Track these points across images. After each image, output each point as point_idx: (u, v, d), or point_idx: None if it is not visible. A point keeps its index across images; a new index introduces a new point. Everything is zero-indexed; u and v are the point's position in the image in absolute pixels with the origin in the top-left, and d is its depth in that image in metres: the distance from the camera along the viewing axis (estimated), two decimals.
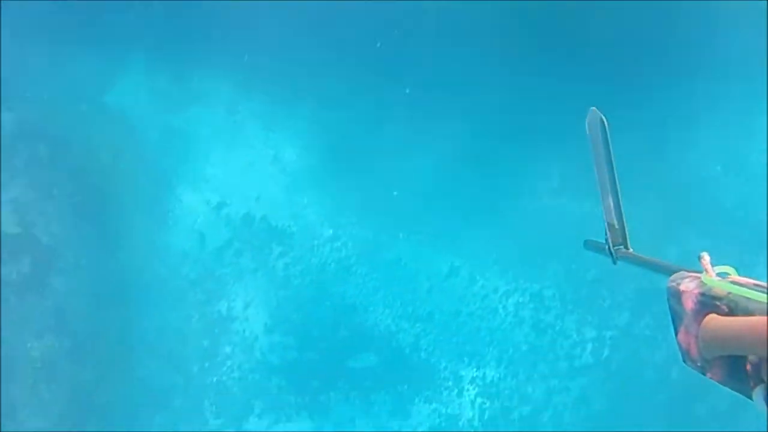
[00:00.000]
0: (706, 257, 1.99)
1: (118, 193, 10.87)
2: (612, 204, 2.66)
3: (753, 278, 1.89)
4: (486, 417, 10.74)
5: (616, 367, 10.69)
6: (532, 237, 10.73)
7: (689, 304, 1.91)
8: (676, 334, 1.98)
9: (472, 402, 10.74)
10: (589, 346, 10.68)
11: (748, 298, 1.76)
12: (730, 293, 1.82)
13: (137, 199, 10.99)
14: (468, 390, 10.76)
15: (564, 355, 10.75)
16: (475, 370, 10.77)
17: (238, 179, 11.08)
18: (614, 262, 2.64)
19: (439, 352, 10.79)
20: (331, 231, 10.98)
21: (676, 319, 1.99)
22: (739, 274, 1.97)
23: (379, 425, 10.70)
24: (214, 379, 10.87)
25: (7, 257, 10.40)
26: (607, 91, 10.11)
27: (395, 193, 10.97)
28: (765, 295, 1.75)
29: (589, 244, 2.86)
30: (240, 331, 10.87)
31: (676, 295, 1.98)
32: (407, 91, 10.56)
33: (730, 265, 1.99)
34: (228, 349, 10.88)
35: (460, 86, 10.90)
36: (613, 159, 2.65)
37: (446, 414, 10.74)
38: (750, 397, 1.74)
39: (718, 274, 1.97)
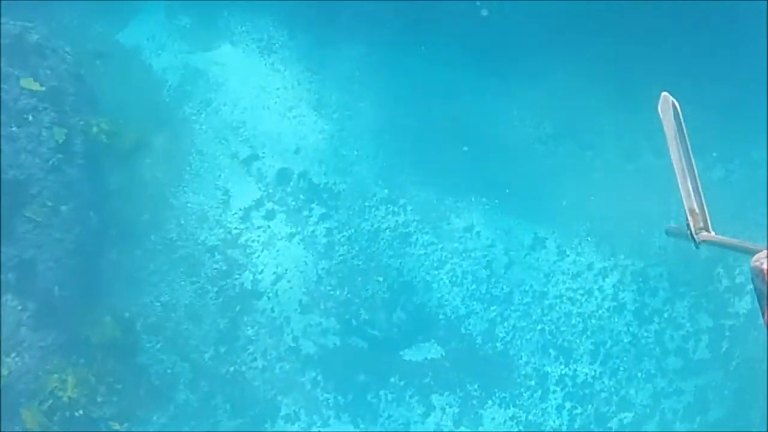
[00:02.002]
0: None
1: (123, 139, 10.98)
2: (691, 188, 3.03)
3: None
4: (576, 426, 10.55)
5: (738, 365, 10.72)
6: (632, 203, 10.94)
7: None
8: (763, 314, 2.30)
9: (560, 407, 10.61)
10: (705, 339, 10.68)
11: None
12: None
13: (147, 148, 11.09)
14: (555, 392, 10.67)
15: (674, 349, 10.72)
16: (563, 366, 10.69)
17: (273, 128, 11.28)
18: (696, 247, 3.03)
19: (519, 343, 10.65)
20: (386, 191, 11.04)
21: (762, 298, 2.31)
22: None
23: None
24: (231, 369, 10.63)
25: None
26: None
27: (465, 148, 11.23)
28: None
29: (670, 231, 3.28)
30: (267, 309, 10.68)
31: (760, 275, 2.30)
32: (484, 13, 11.09)
33: None
34: (250, 332, 10.59)
35: (540, 43, 11.49)
36: (688, 143, 3.06)
37: (527, 421, 10.48)
38: None
39: None
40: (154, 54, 11.56)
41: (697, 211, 3.02)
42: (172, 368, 10.53)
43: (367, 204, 11.00)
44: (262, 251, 10.80)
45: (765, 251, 2.35)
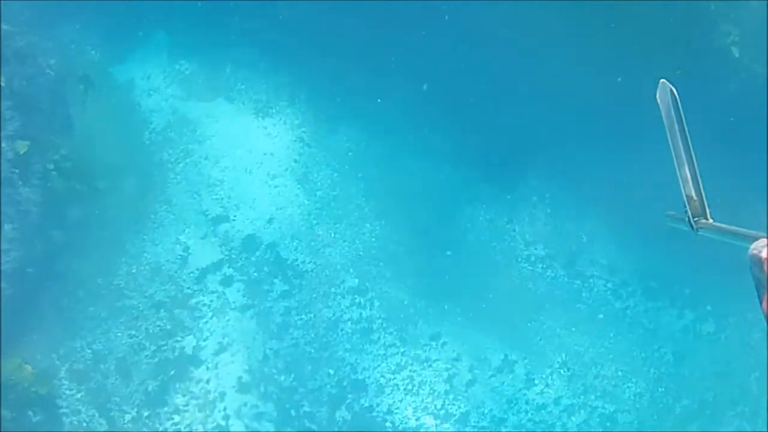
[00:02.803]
0: None
1: (90, 170, 11.12)
2: (689, 175, 3.18)
3: None
4: None
5: None
6: (615, 342, 10.98)
7: None
8: (761, 303, 2.36)
9: None
10: None
11: None
12: None
13: (114, 186, 11.22)
14: None
15: None
16: None
17: (250, 192, 11.46)
18: (695, 234, 3.14)
19: None
20: (356, 280, 11.08)
21: (760, 287, 2.39)
22: None
23: None
24: None
25: None
26: None
27: (449, 252, 11.37)
28: None
29: (669, 217, 3.39)
30: (203, 380, 10.54)
31: (758, 263, 2.39)
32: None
33: None
34: (180, 401, 10.41)
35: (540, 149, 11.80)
36: (686, 129, 3.20)
37: None
38: None
39: None
40: (144, 93, 11.84)
41: (695, 198, 3.14)
42: (88, 422, 10.31)
43: (333, 290, 11.03)
44: (211, 317, 10.78)
45: (764, 239, 2.43)
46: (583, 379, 10.89)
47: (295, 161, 11.60)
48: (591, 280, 11.33)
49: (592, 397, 10.78)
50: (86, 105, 11.10)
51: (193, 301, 10.83)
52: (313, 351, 10.75)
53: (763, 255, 2.33)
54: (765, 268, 2.31)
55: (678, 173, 3.18)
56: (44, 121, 10.37)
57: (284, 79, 12.01)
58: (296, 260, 11.09)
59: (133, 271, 10.87)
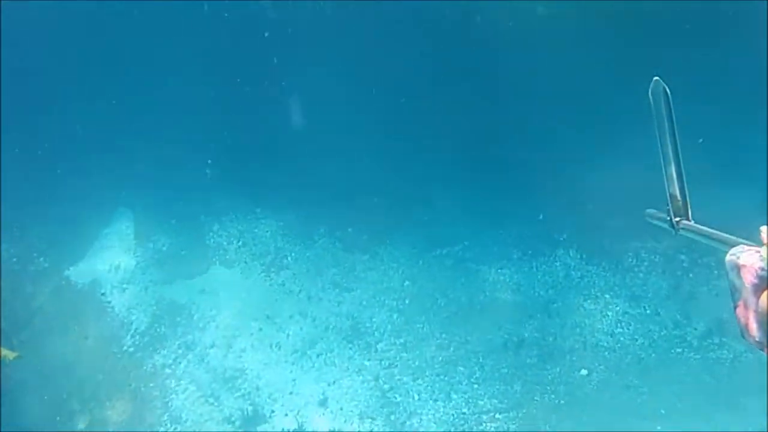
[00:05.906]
0: (765, 231, 2.20)
1: (61, 405, 7.40)
2: (674, 174, 2.96)
3: None
4: None
5: None
6: None
7: (748, 278, 2.18)
8: (735, 309, 2.25)
9: None
10: None
11: None
12: None
13: (95, 421, 7.46)
14: None
15: None
16: None
17: (285, 373, 7.56)
18: (675, 233, 2.90)
19: None
20: None
21: (735, 293, 2.27)
22: None
23: None
24: None
25: None
26: None
27: (584, 371, 7.36)
28: None
29: (650, 215, 3.07)
30: None
31: (735, 269, 2.24)
32: None
33: None
34: None
35: None
36: (676, 129, 2.84)
37: None
38: None
39: None
40: (116, 289, 8.35)
41: (678, 197, 2.88)
42: None
43: None
44: None
45: (742, 245, 2.26)
46: None
47: (336, 314, 7.87)
48: None
49: None
50: (39, 326, 7.46)
51: None
52: None
53: (741, 261, 2.22)
54: (741, 274, 2.20)
55: (663, 171, 2.84)
56: None
57: (292, 216, 8.50)
58: None
59: None
